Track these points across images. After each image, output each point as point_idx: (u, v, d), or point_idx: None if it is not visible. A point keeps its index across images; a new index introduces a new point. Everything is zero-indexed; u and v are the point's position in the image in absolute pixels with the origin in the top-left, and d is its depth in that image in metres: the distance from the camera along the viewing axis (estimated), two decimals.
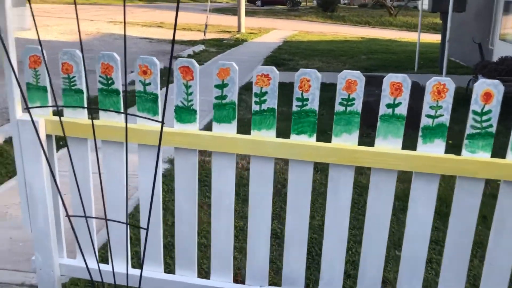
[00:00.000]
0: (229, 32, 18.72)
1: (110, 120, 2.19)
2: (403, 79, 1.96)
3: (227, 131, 2.13)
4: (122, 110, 2.17)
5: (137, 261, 2.92)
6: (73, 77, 2.17)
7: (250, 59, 11.48)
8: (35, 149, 2.17)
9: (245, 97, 7.56)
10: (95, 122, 2.17)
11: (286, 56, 11.84)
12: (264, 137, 2.10)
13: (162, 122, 1.80)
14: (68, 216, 1.64)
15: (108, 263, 2.39)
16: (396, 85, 1.97)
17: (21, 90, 1.84)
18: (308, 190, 2.13)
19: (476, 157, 1.97)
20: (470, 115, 1.95)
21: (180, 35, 16.48)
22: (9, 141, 5.18)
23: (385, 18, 29.68)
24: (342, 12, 32.63)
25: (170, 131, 2.13)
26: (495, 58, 7.43)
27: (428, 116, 1.97)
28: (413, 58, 11.89)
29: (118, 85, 2.14)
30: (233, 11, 26.02)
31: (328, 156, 2.05)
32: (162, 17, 23.97)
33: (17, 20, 1.78)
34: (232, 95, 2.09)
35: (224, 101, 2.10)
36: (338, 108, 2.03)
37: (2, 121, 6.18)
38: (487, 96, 1.91)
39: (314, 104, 2.04)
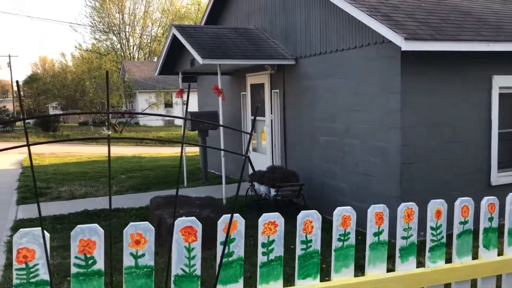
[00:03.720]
0: None
1: None
2: (384, 209, 2.17)
3: None
4: None
5: None
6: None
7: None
8: None
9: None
10: None
11: (40, 184, 10.60)
12: None
13: None
14: None
15: None
16: (379, 214, 2.16)
17: None
18: None
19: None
20: (429, 231, 2.29)
21: None
22: None
23: (111, 134, 30.16)
24: (65, 131, 31.63)
25: None
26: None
27: (403, 237, 2.22)
28: (172, 173, 12.47)
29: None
30: None
31: None
32: None
33: None
34: (240, 250, 1.88)
35: (231, 259, 1.86)
36: (337, 244, 2.07)
37: None
38: (438, 213, 2.30)
39: (317, 244, 2.02)
